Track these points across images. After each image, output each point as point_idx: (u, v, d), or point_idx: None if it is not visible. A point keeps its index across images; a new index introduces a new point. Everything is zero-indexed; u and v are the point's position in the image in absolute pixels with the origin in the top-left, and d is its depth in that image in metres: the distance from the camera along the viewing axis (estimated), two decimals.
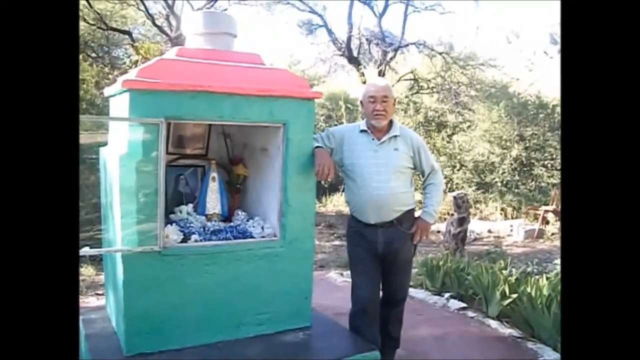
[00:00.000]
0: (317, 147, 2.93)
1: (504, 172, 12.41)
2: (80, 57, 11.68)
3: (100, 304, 4.06)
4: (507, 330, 4.07)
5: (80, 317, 3.13)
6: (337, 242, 8.80)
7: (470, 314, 4.47)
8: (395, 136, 3.01)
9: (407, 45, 14.95)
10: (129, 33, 13.05)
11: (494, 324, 4.23)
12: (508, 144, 12.67)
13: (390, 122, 3.04)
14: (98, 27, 12.26)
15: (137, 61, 10.66)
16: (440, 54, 14.68)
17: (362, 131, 3.04)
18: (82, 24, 11.82)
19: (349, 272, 3.36)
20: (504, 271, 4.82)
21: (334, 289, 5.14)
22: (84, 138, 7.69)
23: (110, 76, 11.13)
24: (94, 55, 13.64)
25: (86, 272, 5.71)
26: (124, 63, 12.87)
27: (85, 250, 3.16)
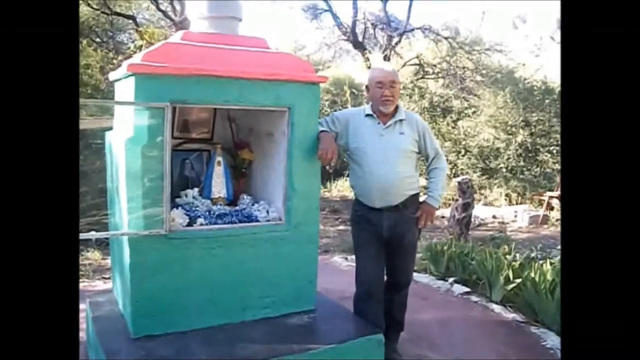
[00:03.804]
0: (322, 131, 2.93)
1: (509, 158, 12.36)
2: (85, 42, 11.63)
3: (107, 287, 4.10)
4: (510, 315, 4.09)
5: (88, 300, 3.17)
6: (341, 227, 8.81)
7: (474, 298, 4.49)
8: (401, 120, 3.00)
9: (412, 30, 14.80)
10: (133, 18, 12.99)
11: (497, 308, 4.25)
12: (513, 129, 12.61)
13: (396, 107, 3.03)
14: (102, 12, 12.19)
15: (141, 46, 10.62)
16: (446, 38, 14.54)
17: (367, 115, 3.03)
18: (86, 8, 11.77)
19: (353, 256, 3.37)
20: (508, 256, 4.84)
21: (338, 273, 5.17)
22: (89, 123, 7.68)
23: (114, 61, 11.07)
24: (98, 40, 13.57)
25: (93, 256, 5.75)
26: (129, 48, 12.80)
27: (92, 234, 3.20)
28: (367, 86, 3.10)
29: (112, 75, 3.03)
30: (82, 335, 3.32)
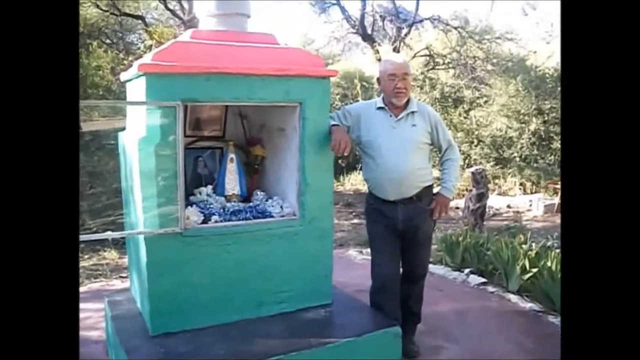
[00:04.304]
0: (333, 125, 2.93)
1: (522, 147, 12.25)
2: (95, 43, 11.71)
3: (124, 286, 4.14)
4: (527, 305, 4.07)
5: (106, 299, 3.20)
6: (355, 221, 8.81)
7: (490, 289, 4.47)
8: (413, 112, 2.99)
9: (421, 20, 14.73)
10: (142, 18, 13.04)
11: (514, 298, 4.23)
12: (526, 118, 12.49)
13: (408, 99, 3.02)
14: (111, 13, 12.26)
15: (151, 46, 10.67)
16: (456, 28, 14.45)
17: (379, 108, 3.02)
18: (95, 10, 11.84)
19: (368, 249, 3.37)
20: (523, 246, 4.81)
21: (353, 266, 5.17)
22: (102, 124, 7.76)
23: (125, 62, 11.14)
24: (108, 41, 13.65)
25: (110, 255, 5.81)
26: (139, 48, 12.88)
27: (108, 234, 3.22)
28: (378, 79, 3.09)
29: (123, 76, 3.05)
30: (101, 334, 3.36)
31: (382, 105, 3.02)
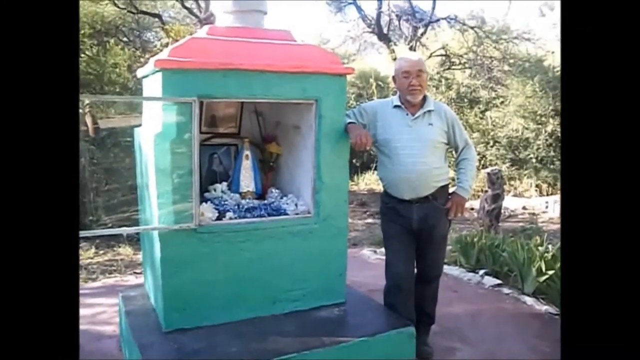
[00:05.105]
0: (349, 122, 2.91)
1: (538, 148, 12.12)
2: (112, 41, 11.80)
3: (138, 282, 4.16)
4: (543, 307, 4.02)
5: (120, 295, 3.21)
6: (369, 220, 8.79)
7: (505, 290, 4.42)
8: (430, 111, 2.97)
9: (437, 20, 14.65)
10: (159, 16, 13.11)
11: (529, 300, 4.18)
12: (543, 119, 12.35)
13: (424, 97, 3.00)
14: (128, 11, 12.34)
15: (167, 44, 10.71)
16: (472, 28, 14.33)
17: (395, 106, 3.00)
18: (112, 8, 11.92)
19: (382, 249, 3.34)
20: (539, 247, 4.74)
21: (367, 266, 5.15)
22: (118, 121, 7.81)
23: (141, 59, 11.21)
24: (125, 39, 13.74)
25: (124, 251, 5.85)
26: (155, 46, 12.95)
27: (123, 229, 3.23)
28: (394, 77, 3.07)
29: (139, 72, 3.06)
30: (116, 328, 3.38)
31: (399, 103, 2.99)
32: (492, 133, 12.93)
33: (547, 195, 11.27)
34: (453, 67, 14.88)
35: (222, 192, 3.05)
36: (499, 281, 4.61)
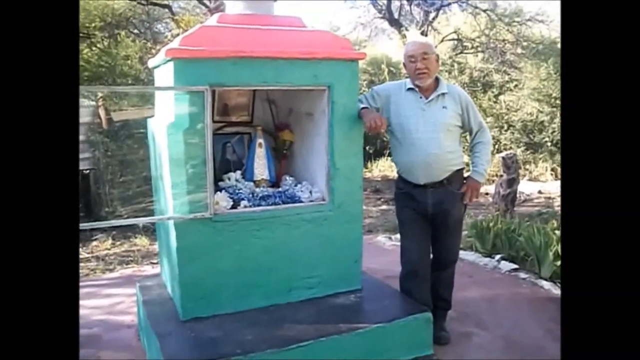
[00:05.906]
0: (363, 108, 2.88)
1: (553, 131, 11.98)
2: (123, 33, 11.86)
3: (155, 271, 4.19)
4: (560, 291, 3.99)
5: (137, 285, 3.24)
6: (384, 207, 8.75)
7: (522, 275, 4.39)
8: (443, 94, 2.93)
9: (449, 4, 14.50)
10: (169, 7, 13.12)
11: (546, 285, 4.14)
12: (558, 102, 12.18)
13: (437, 80, 2.96)
14: (138, 3, 12.37)
15: (178, 34, 10.72)
16: (484, 11, 14.17)
17: (408, 89, 2.96)
18: (122, 0, 11.96)
19: (397, 235, 3.33)
20: (556, 231, 4.70)
21: (382, 252, 5.14)
22: (131, 113, 7.85)
23: (153, 51, 11.24)
24: (136, 31, 13.79)
25: (141, 242, 5.89)
26: (166, 37, 12.97)
27: (138, 220, 3.25)
28: (404, 63, 3.03)
29: (151, 62, 3.05)
30: (134, 318, 3.41)
31: (412, 86, 2.95)
32: (506, 117, 12.80)
33: None
34: (465, 51, 14.73)
35: (236, 180, 3.05)
36: (515, 266, 4.58)
